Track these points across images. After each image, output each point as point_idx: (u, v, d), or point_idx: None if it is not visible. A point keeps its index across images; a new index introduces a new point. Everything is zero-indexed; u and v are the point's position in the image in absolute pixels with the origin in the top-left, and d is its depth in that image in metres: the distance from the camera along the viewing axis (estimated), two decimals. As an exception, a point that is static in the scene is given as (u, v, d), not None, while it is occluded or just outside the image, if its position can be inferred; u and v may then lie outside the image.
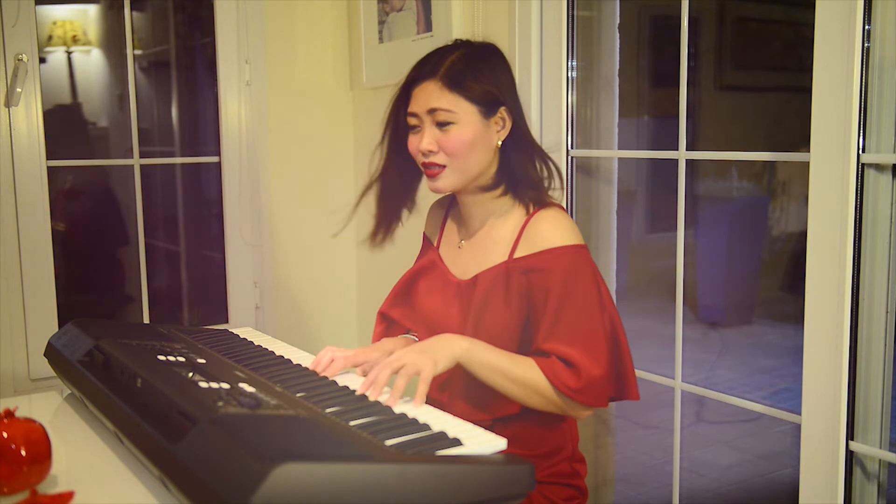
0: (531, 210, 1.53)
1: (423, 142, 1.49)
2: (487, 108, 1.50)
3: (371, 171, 1.62)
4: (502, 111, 1.51)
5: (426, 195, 1.65)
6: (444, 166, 1.50)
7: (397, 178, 1.60)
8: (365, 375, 1.48)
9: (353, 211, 1.63)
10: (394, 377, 1.36)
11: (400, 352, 1.36)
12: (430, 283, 1.63)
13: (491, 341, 1.49)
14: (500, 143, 1.53)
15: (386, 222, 1.62)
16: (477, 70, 1.49)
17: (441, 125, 1.48)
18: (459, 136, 1.48)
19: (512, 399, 1.45)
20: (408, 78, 1.54)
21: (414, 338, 1.70)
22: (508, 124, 1.52)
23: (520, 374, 1.42)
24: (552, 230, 1.48)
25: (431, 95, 1.48)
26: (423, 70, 1.51)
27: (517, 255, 1.50)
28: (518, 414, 1.50)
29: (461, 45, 1.55)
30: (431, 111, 1.48)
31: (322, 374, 1.46)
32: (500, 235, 1.54)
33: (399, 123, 1.56)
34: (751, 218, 5.59)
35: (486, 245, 1.56)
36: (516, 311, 1.49)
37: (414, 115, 1.51)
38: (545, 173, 1.57)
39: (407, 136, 1.55)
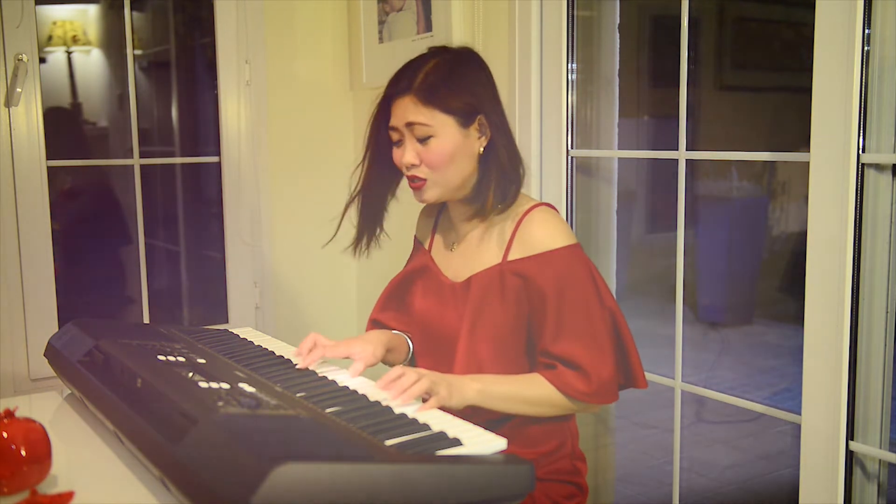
0: (523, 211, 1.53)
1: (406, 156, 1.51)
2: (464, 117, 1.49)
3: (352, 183, 1.62)
4: (480, 119, 1.51)
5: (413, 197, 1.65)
6: (424, 179, 1.52)
7: (378, 189, 1.61)
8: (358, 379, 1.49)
9: (339, 223, 1.63)
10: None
11: (425, 371, 1.37)
12: (425, 285, 1.63)
13: (489, 342, 1.50)
14: (481, 150, 1.52)
15: (369, 232, 1.64)
16: (451, 80, 1.49)
17: (421, 139, 1.49)
18: (439, 148, 1.48)
19: (528, 417, 1.48)
20: (385, 93, 1.54)
21: (404, 335, 1.70)
22: (488, 132, 1.52)
23: (533, 395, 1.45)
24: (544, 232, 1.49)
25: (408, 110, 1.48)
26: (400, 85, 1.51)
27: (511, 257, 1.51)
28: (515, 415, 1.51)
29: (436, 54, 1.54)
30: (409, 125, 1.49)
31: (301, 364, 1.48)
32: (492, 237, 1.55)
33: (380, 137, 1.57)
34: (751, 218, 5.59)
35: (479, 247, 1.56)
36: (513, 311, 1.50)
37: (395, 129, 1.52)
38: (522, 175, 1.56)
39: (389, 149, 1.55)
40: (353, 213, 1.63)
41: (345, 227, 1.65)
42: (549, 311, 1.46)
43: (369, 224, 1.63)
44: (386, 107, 1.54)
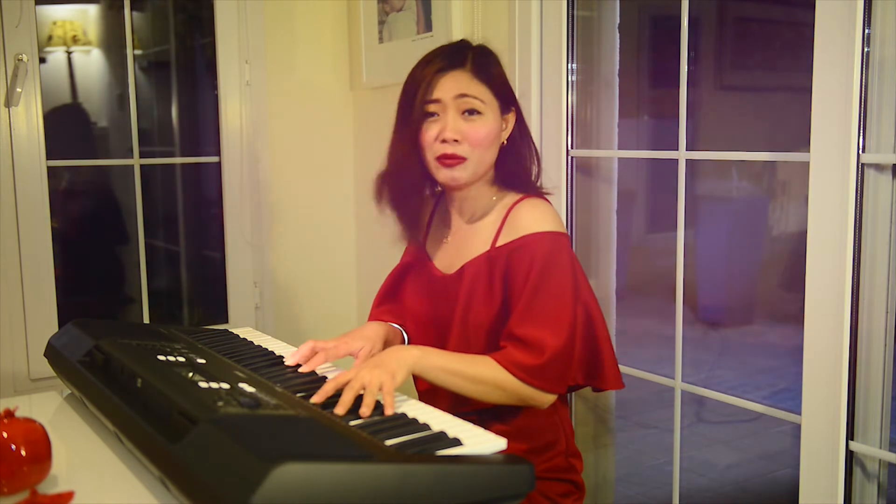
0: (514, 200, 1.54)
1: (448, 130, 1.47)
2: (505, 105, 1.53)
3: (380, 167, 1.58)
4: (513, 112, 1.55)
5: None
6: (464, 158, 1.48)
7: (414, 173, 1.54)
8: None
9: (379, 210, 1.60)
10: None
11: (357, 371, 1.31)
12: (417, 278, 1.64)
13: (478, 333, 1.50)
14: (504, 141, 1.55)
15: (415, 223, 1.59)
16: (496, 67, 1.53)
17: (469, 112, 1.48)
18: (485, 127, 1.48)
19: (471, 398, 1.43)
20: (433, 66, 1.49)
21: (398, 327, 1.70)
22: (512, 124, 1.56)
23: (475, 373, 1.40)
24: (531, 216, 1.49)
25: (461, 82, 1.48)
26: (450, 61, 1.49)
27: (499, 243, 1.51)
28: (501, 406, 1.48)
29: (470, 45, 1.56)
30: (461, 96, 1.47)
31: (304, 368, 1.46)
32: (484, 227, 1.55)
33: (416, 113, 1.50)
34: (751, 218, 5.59)
35: (471, 237, 1.57)
36: (500, 301, 1.49)
37: (437, 101, 1.48)
38: (535, 172, 1.59)
39: (418, 127, 1.50)
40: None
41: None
42: (525, 292, 1.43)
43: (415, 217, 1.59)
44: (430, 80, 1.48)
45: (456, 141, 1.47)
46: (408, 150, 1.52)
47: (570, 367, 1.47)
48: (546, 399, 1.46)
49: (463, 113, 1.48)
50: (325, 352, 1.50)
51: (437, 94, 1.48)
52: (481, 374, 1.41)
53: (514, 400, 1.44)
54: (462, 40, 1.59)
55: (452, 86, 1.47)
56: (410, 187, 1.56)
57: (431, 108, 1.49)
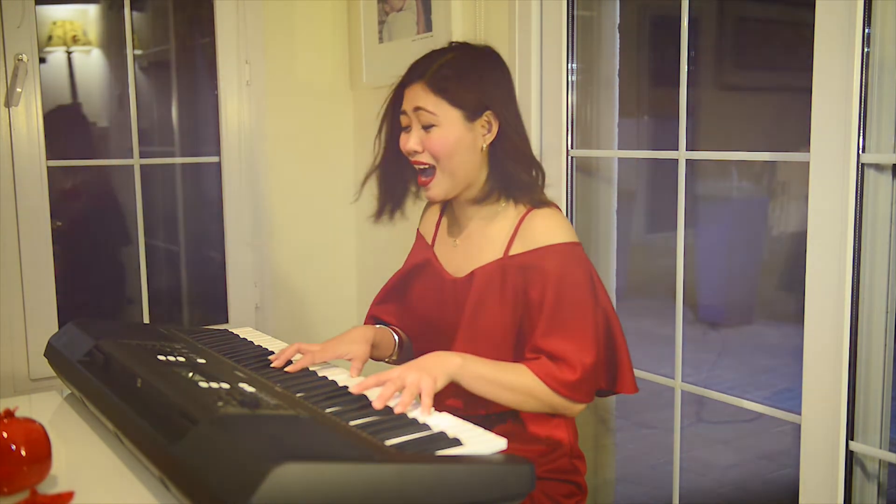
0: (527, 209, 1.54)
1: (410, 142, 1.54)
2: (471, 112, 1.52)
3: (373, 158, 1.66)
4: (487, 115, 1.52)
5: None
6: (432, 167, 1.53)
7: (395, 167, 1.63)
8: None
9: (360, 190, 1.66)
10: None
11: (400, 371, 1.35)
12: (425, 281, 1.64)
13: (486, 338, 1.50)
14: (485, 146, 1.53)
15: (390, 203, 1.66)
16: (464, 74, 1.52)
17: (425, 127, 1.52)
18: (441, 137, 1.51)
19: (507, 406, 1.46)
20: (402, 79, 1.58)
21: (390, 329, 1.70)
22: (495, 128, 1.53)
23: (513, 381, 1.43)
24: (546, 228, 1.50)
25: (418, 96, 1.52)
26: (415, 72, 1.55)
27: (512, 252, 1.52)
28: (513, 409, 1.51)
29: (455, 49, 1.57)
30: (416, 110, 1.52)
31: (289, 369, 1.47)
32: (496, 233, 1.56)
33: (394, 121, 1.60)
34: (751, 218, 5.60)
35: (482, 243, 1.57)
36: (510, 309, 1.50)
37: (404, 113, 1.55)
38: (537, 176, 1.58)
39: (400, 134, 1.58)
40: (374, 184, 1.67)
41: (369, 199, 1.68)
42: (545, 305, 1.46)
43: (389, 196, 1.65)
44: (400, 91, 1.57)
45: (417, 151, 1.54)
46: (390, 152, 1.62)
47: (600, 377, 1.51)
48: (578, 409, 1.50)
49: (422, 125, 1.52)
50: (311, 355, 1.51)
51: (403, 107, 1.56)
52: (518, 383, 1.43)
53: (546, 409, 1.47)
54: (452, 43, 1.60)
55: (412, 98, 1.53)
56: (393, 179, 1.64)
57: (404, 120, 1.56)
